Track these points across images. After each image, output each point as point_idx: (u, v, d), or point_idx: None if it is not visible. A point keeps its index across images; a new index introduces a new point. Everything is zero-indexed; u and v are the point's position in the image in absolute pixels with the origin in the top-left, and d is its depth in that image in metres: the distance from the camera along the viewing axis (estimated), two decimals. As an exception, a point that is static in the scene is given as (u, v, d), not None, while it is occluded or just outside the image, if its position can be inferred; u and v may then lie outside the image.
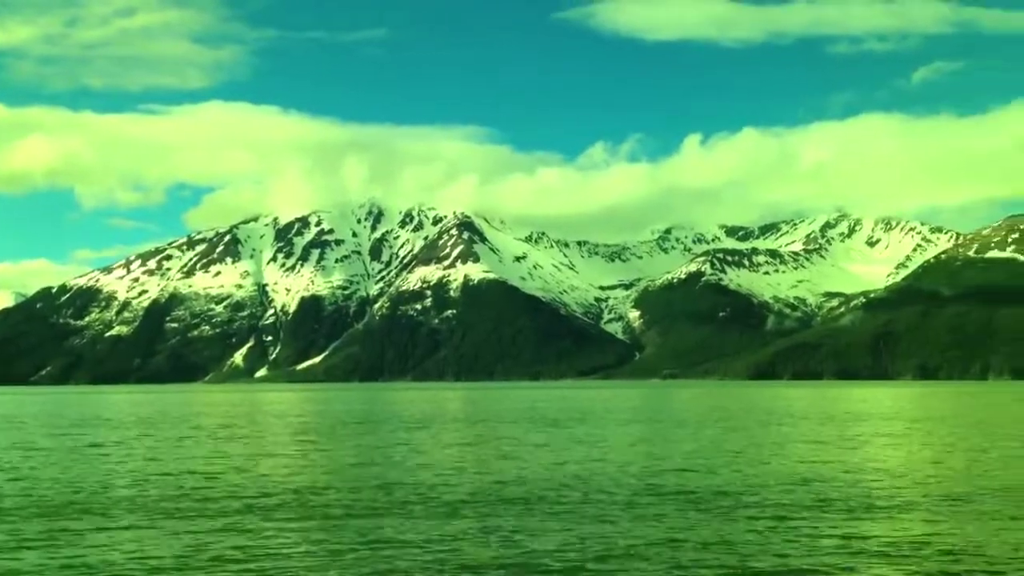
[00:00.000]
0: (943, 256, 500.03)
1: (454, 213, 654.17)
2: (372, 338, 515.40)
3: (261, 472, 34.09)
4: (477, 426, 63.73)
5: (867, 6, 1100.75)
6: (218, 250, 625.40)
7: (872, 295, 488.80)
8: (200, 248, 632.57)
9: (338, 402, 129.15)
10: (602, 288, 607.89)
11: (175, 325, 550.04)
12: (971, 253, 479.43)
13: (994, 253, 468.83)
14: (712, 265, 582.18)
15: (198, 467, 35.92)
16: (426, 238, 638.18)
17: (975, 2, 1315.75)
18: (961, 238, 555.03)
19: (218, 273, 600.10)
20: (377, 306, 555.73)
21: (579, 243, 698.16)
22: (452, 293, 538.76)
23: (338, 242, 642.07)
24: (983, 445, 45.52)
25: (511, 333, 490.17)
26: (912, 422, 67.75)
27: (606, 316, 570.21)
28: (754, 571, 17.98)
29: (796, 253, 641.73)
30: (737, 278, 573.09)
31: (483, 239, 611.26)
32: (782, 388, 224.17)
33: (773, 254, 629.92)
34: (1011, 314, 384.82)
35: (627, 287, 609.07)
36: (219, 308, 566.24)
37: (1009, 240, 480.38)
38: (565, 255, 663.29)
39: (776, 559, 18.87)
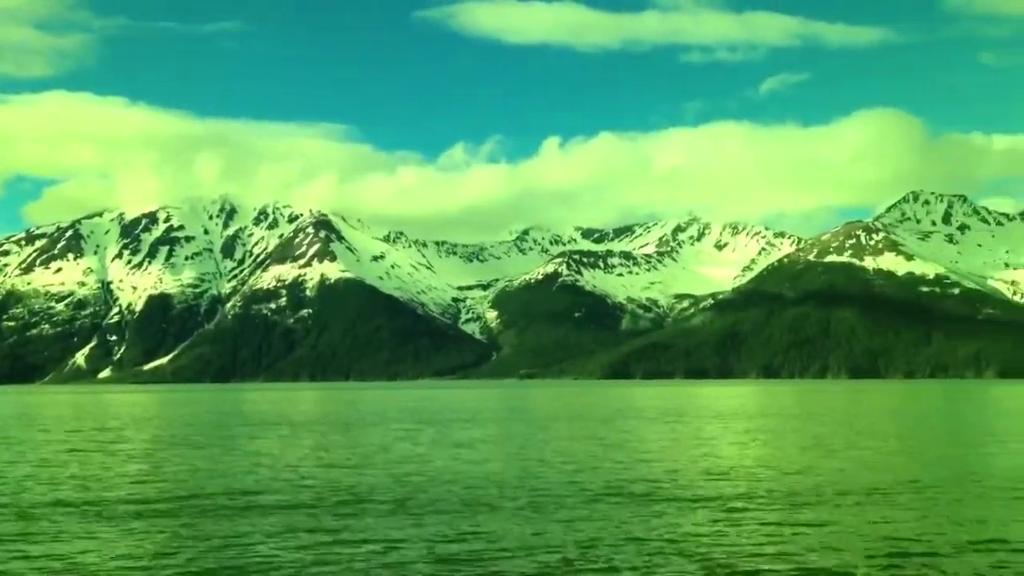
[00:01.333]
0: (786, 260, 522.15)
1: (311, 211, 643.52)
2: (224, 338, 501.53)
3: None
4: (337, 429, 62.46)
5: (718, 17, 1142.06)
6: (59, 246, 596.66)
7: (720, 297, 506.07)
8: (40, 243, 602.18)
9: (178, 404, 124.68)
10: (460, 288, 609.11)
11: (12, 324, 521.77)
12: (812, 257, 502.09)
13: (833, 258, 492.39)
14: (568, 266, 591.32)
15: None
16: (281, 236, 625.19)
17: (819, 17, 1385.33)
18: (803, 243, 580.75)
19: (59, 270, 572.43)
20: (229, 305, 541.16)
21: (437, 243, 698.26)
22: (308, 292, 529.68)
23: (188, 239, 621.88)
24: (829, 439, 47.35)
25: (368, 333, 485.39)
26: (765, 417, 70.14)
27: (464, 316, 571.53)
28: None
29: (649, 255, 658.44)
30: (593, 279, 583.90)
31: (340, 238, 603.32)
32: (640, 387, 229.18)
33: (627, 256, 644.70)
34: (847, 316, 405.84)
35: (485, 287, 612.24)
36: (60, 306, 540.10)
37: (847, 246, 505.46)
38: (423, 255, 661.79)
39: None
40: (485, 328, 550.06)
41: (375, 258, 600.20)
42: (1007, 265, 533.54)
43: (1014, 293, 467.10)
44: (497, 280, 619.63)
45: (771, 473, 32.59)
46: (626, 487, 28.59)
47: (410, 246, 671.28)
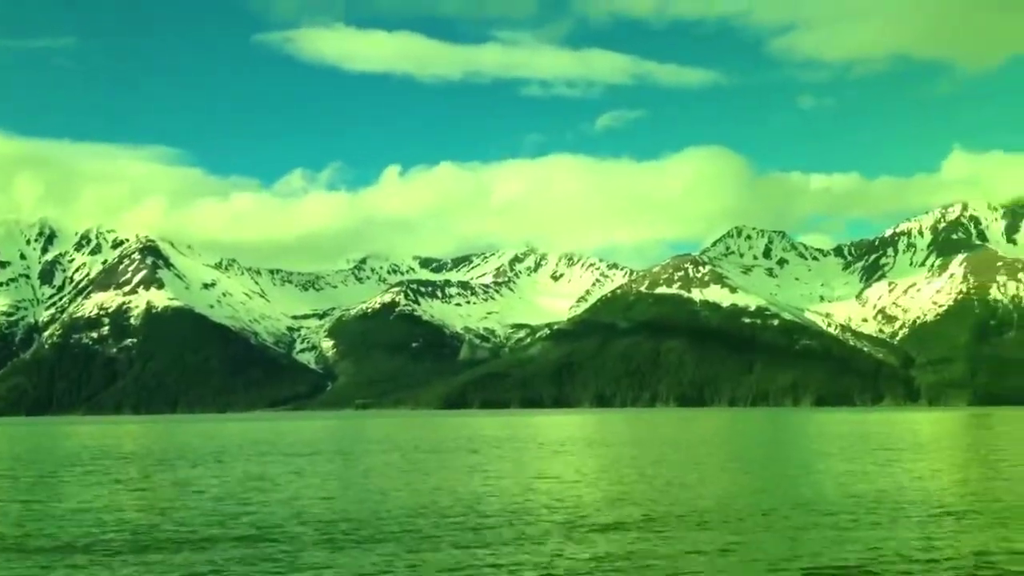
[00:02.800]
0: (619, 291, 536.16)
1: (137, 236, 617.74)
2: (41, 368, 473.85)
3: None
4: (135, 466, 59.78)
5: (557, 53, 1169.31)
6: None
7: (556, 327, 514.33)
8: None
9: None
10: (295, 317, 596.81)
11: None
12: (643, 289, 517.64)
13: (663, 289, 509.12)
14: (406, 296, 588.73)
15: None
16: (105, 262, 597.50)
17: (652, 57, 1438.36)
18: (635, 275, 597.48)
19: None
20: (47, 333, 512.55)
21: (272, 271, 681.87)
22: (133, 321, 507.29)
23: (3, 264, 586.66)
24: (659, 465, 48.50)
25: (197, 363, 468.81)
26: (601, 447, 71.30)
27: (299, 346, 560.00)
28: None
29: (487, 285, 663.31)
30: (430, 309, 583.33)
31: (169, 265, 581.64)
32: (473, 417, 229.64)
33: (465, 286, 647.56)
34: (676, 346, 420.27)
35: (321, 316, 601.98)
36: None
37: (675, 278, 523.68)
38: (257, 283, 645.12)
39: None
40: (321, 358, 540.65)
41: (205, 286, 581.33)
42: (822, 298, 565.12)
43: (828, 325, 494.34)
44: (333, 309, 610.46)
45: (598, 501, 33.09)
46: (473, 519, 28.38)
47: (243, 274, 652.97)
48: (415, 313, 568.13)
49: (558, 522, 28.60)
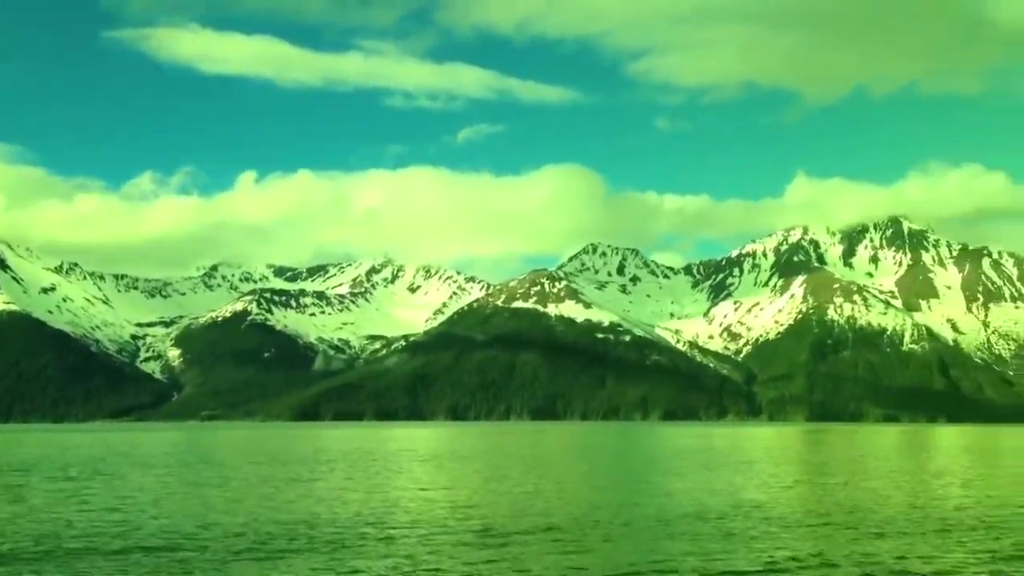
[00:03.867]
0: (476, 304, 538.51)
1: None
2: None
3: None
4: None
5: (420, 66, 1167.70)
6: None
7: (412, 339, 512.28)
8: None
9: None
10: (140, 325, 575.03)
11: None
12: (500, 303, 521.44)
13: (519, 303, 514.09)
14: (259, 305, 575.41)
15: None
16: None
17: (513, 73, 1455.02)
18: (492, 288, 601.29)
19: None
20: None
21: (117, 276, 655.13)
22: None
23: None
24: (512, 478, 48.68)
25: (33, 370, 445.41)
26: (448, 460, 71.12)
27: (144, 354, 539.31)
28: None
29: (343, 296, 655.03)
30: (284, 319, 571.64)
31: (5, 267, 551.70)
32: (330, 429, 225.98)
33: (320, 296, 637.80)
34: (531, 360, 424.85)
35: (168, 324, 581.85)
36: None
37: (532, 292, 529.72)
38: (100, 288, 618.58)
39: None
40: (166, 367, 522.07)
41: (44, 290, 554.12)
42: (672, 315, 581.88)
43: (677, 341, 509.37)
44: (182, 317, 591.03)
45: (441, 513, 32.97)
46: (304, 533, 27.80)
47: (86, 278, 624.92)
48: (268, 323, 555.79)
49: (392, 535, 28.36)
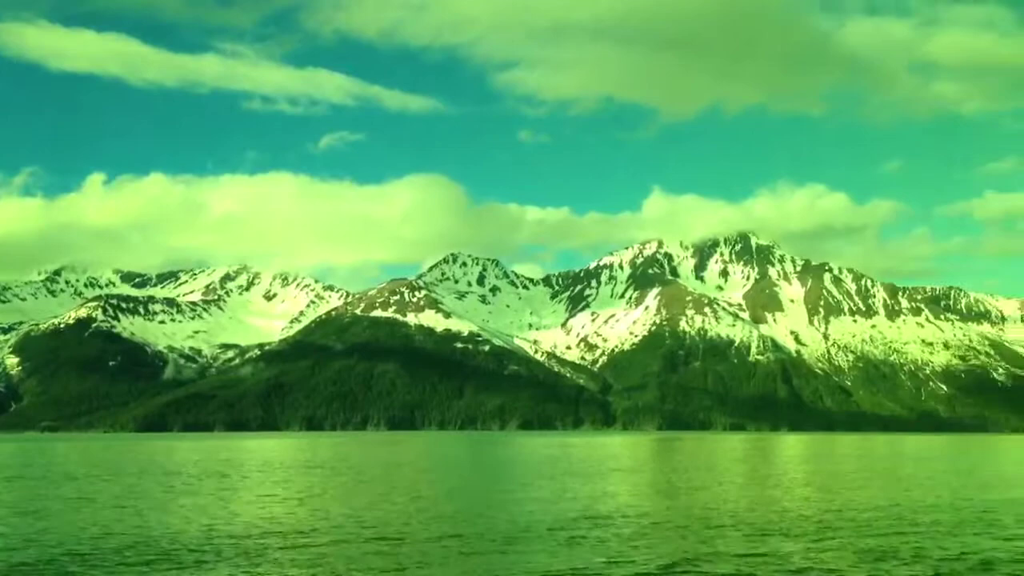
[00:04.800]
0: (334, 313, 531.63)
1: None
2: None
3: None
4: None
5: (280, 70, 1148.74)
6: None
7: (267, 348, 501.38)
8: None
9: None
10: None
11: None
12: (358, 311, 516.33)
13: (378, 312, 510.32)
14: (105, 311, 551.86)
15: None
16: None
17: (377, 81, 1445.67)
18: (351, 297, 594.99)
19: None
20: None
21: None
22: None
23: None
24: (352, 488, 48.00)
25: None
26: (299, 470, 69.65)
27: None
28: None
29: (194, 303, 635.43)
30: (131, 326, 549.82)
31: None
32: (178, 440, 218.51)
33: (170, 303, 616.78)
34: (389, 369, 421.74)
35: (6, 331, 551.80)
36: None
37: (391, 301, 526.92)
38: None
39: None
40: (4, 376, 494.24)
41: None
42: (531, 326, 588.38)
43: (535, 352, 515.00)
44: (21, 323, 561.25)
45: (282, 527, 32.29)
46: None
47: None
48: (114, 330, 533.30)
49: (250, 548, 27.62)
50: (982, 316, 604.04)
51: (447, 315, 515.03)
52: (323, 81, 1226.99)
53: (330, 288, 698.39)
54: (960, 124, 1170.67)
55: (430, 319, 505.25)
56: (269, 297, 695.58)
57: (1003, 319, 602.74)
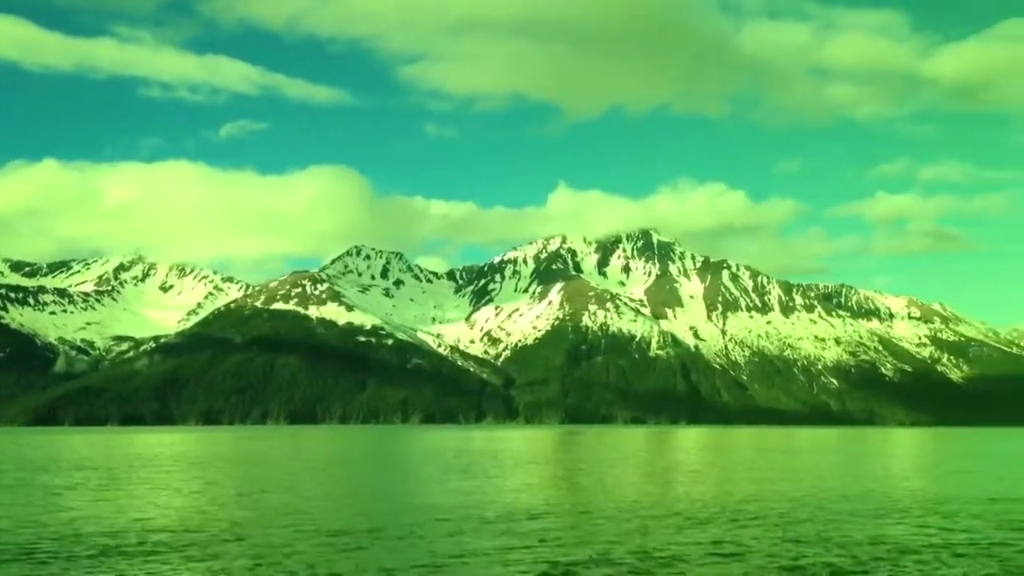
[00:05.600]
0: (233, 305, 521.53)
1: None
2: None
3: None
4: None
5: (180, 56, 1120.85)
6: None
7: (163, 340, 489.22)
8: None
9: None
10: None
11: None
12: (259, 304, 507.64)
13: (279, 305, 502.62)
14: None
15: None
16: None
17: (281, 70, 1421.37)
18: (251, 289, 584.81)
19: None
20: None
21: None
22: None
23: None
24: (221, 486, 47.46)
25: None
26: (191, 464, 68.41)
27: None
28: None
29: (87, 294, 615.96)
30: (21, 317, 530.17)
31: None
32: (71, 434, 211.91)
33: (62, 293, 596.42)
34: (290, 362, 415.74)
35: None
36: None
37: (293, 294, 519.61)
38: None
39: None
40: None
41: None
42: (434, 320, 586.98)
43: (439, 345, 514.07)
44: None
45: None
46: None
47: None
48: (2, 321, 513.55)
49: (148, 545, 27.21)
50: (871, 313, 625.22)
51: (350, 308, 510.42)
52: (225, 69, 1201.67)
53: (229, 280, 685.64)
54: (854, 127, 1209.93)
55: (332, 312, 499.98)
56: (165, 288, 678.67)
57: (891, 316, 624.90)
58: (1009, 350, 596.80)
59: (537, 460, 77.92)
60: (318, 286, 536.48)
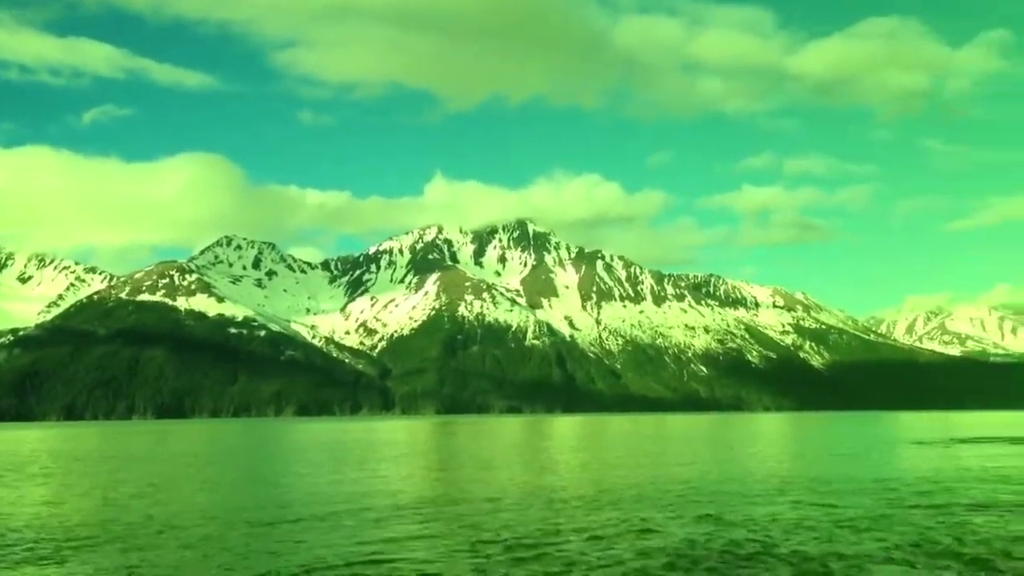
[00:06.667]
0: (96, 297, 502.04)
1: None
2: None
3: None
4: None
5: (40, 38, 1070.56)
6: None
7: (22, 333, 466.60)
8: None
9: None
10: None
11: None
12: (124, 295, 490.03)
13: (146, 296, 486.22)
14: None
15: None
16: None
17: (148, 53, 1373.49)
18: (115, 280, 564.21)
19: None
20: None
21: None
22: None
23: None
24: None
25: None
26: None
27: None
28: None
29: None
30: None
31: None
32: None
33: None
34: (157, 355, 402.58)
35: None
36: None
37: (160, 285, 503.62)
38: None
39: None
40: None
41: None
42: (308, 311, 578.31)
43: (313, 336, 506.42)
44: None
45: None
46: None
47: None
48: None
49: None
50: (739, 302, 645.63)
51: (220, 299, 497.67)
52: (88, 51, 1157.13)
53: (92, 270, 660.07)
54: (723, 121, 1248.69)
55: (202, 303, 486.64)
56: (24, 279, 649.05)
57: (757, 305, 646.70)
58: (866, 337, 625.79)
59: (425, 451, 77.30)
60: (187, 277, 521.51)
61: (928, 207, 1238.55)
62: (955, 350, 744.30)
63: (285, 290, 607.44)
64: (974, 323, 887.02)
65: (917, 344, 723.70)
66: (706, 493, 34.54)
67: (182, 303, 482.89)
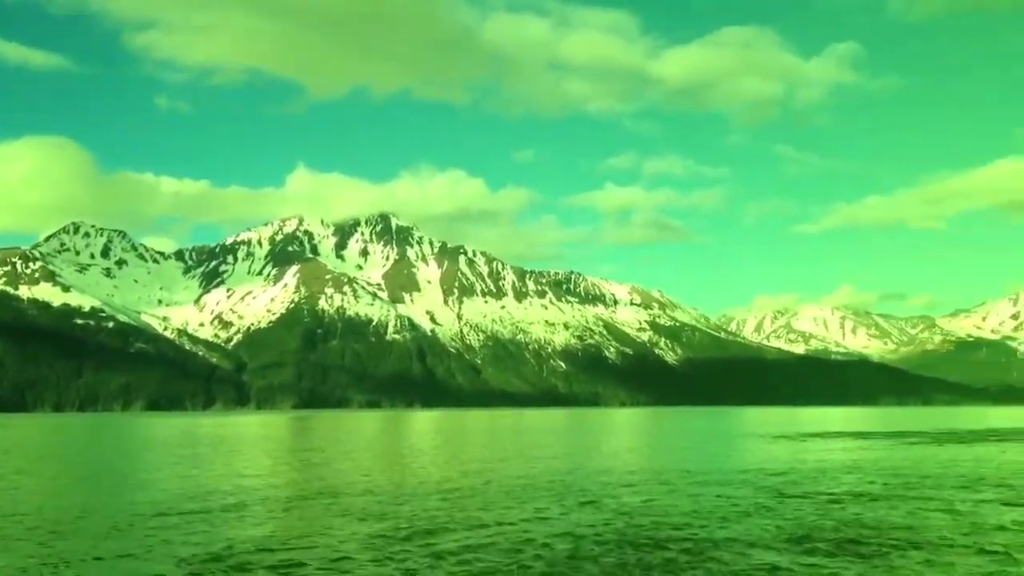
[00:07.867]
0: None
1: None
2: None
3: None
4: None
5: None
6: None
7: None
8: None
9: None
10: None
11: None
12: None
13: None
14: None
15: None
16: None
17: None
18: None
19: None
20: None
21: None
22: None
23: None
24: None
25: None
26: None
27: None
28: None
29: None
30: None
31: None
32: None
33: None
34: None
35: None
36: None
37: (0, 272, 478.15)
38: None
39: None
40: None
41: None
42: (160, 302, 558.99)
43: (165, 328, 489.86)
44: None
45: None
46: None
47: None
48: None
49: None
50: (598, 299, 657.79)
51: (66, 289, 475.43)
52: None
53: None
54: (587, 120, 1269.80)
55: (46, 293, 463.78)
56: None
57: (615, 302, 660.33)
58: (718, 335, 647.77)
59: (285, 444, 75.57)
60: (30, 264, 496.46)
61: (777, 210, 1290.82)
62: (800, 348, 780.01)
63: (136, 280, 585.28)
64: (817, 323, 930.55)
65: (765, 342, 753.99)
66: (584, 484, 34.79)
67: (24, 292, 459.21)
